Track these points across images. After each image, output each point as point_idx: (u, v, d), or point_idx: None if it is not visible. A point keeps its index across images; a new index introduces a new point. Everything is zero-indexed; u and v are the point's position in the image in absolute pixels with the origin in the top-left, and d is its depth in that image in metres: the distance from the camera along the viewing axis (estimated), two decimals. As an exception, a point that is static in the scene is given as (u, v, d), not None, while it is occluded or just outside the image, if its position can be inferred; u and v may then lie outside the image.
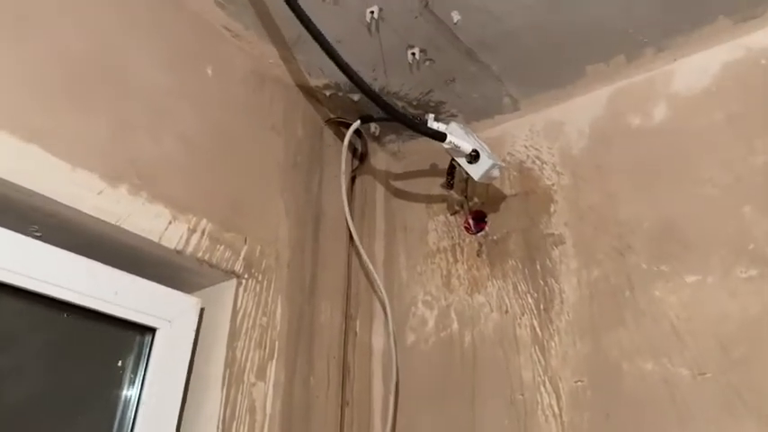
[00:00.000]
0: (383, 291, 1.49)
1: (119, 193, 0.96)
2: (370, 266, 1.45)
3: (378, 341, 1.46)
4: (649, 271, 1.20)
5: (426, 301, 1.48)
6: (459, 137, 1.17)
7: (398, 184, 1.68)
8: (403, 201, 1.65)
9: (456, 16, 1.22)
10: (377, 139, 1.62)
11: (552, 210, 1.38)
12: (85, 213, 0.91)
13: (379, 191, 1.66)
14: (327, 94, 1.47)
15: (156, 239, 0.99)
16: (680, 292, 1.16)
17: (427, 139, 1.63)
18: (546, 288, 1.32)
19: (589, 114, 1.42)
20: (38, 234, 0.94)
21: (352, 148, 1.59)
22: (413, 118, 1.14)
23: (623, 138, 1.34)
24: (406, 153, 1.68)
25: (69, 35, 0.96)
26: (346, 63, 1.07)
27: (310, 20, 1.01)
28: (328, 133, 1.51)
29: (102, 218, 0.92)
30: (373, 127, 1.55)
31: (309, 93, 1.47)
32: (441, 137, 1.16)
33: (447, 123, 1.30)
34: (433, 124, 1.19)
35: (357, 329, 1.40)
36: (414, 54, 1.31)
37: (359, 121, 1.29)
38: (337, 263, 1.41)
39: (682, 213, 1.21)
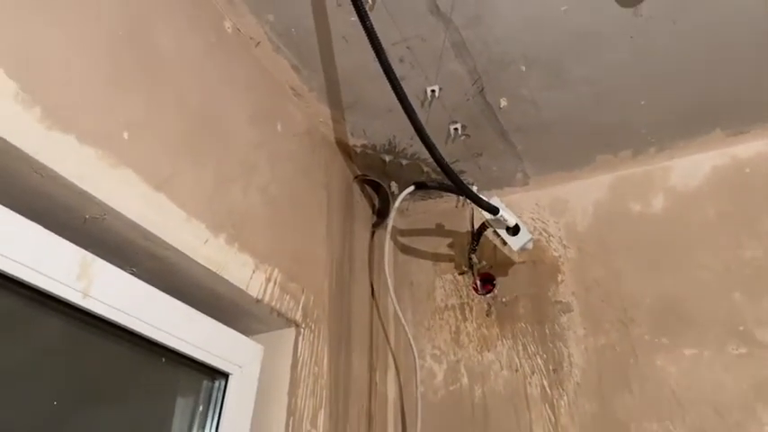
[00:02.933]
0: (392, 343, 1.58)
1: (219, 243, 1.00)
2: (393, 318, 1.54)
3: (391, 391, 1.53)
4: (651, 342, 1.37)
5: (435, 355, 1.57)
6: (504, 211, 1.30)
7: (404, 241, 1.78)
8: (409, 257, 1.75)
9: (504, 102, 1.37)
10: (393, 196, 1.72)
11: (560, 279, 1.53)
12: (194, 261, 0.94)
13: (389, 246, 1.75)
14: (358, 151, 1.57)
15: (244, 288, 1.03)
16: (679, 363, 1.33)
17: (435, 199, 1.78)
18: (555, 351, 1.46)
19: (592, 196, 1.60)
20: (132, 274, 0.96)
21: (371, 204, 1.69)
22: (469, 189, 1.25)
23: (625, 220, 1.53)
24: (412, 211, 1.80)
25: (187, 88, 1.00)
26: (441, 157, 1.17)
27: (414, 111, 1.10)
28: (356, 189, 1.60)
29: (208, 266, 0.96)
30: (394, 186, 1.66)
31: (344, 149, 1.55)
32: (494, 210, 1.28)
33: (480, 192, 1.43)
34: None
35: (377, 380, 1.47)
36: (456, 129, 1.44)
37: (413, 187, 1.39)
38: (363, 315, 1.48)
39: (680, 293, 1.39)
